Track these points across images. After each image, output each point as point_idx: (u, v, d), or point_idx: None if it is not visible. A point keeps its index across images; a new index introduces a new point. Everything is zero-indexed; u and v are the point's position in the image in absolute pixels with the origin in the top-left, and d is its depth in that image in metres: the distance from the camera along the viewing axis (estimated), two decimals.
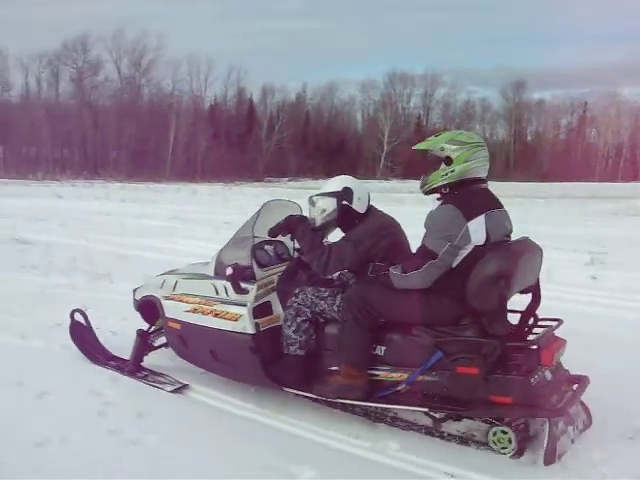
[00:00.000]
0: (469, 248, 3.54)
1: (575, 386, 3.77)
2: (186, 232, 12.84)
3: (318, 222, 4.17)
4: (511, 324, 3.75)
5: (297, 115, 68.55)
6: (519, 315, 3.85)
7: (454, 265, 3.58)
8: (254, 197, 25.94)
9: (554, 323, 3.79)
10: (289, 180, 56.31)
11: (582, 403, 3.88)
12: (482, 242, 3.54)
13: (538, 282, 3.85)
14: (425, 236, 3.68)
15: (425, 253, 3.61)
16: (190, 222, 14.45)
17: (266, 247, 4.58)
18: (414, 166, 60.40)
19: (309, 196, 4.25)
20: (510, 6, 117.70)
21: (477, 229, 3.53)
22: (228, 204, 20.85)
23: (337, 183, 4.18)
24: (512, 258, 3.52)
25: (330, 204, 4.13)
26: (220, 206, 20.41)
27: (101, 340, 5.25)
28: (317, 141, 66.78)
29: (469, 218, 3.52)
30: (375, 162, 64.59)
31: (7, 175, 52.08)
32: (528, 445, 3.59)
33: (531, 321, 3.83)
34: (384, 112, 67.48)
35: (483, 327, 3.57)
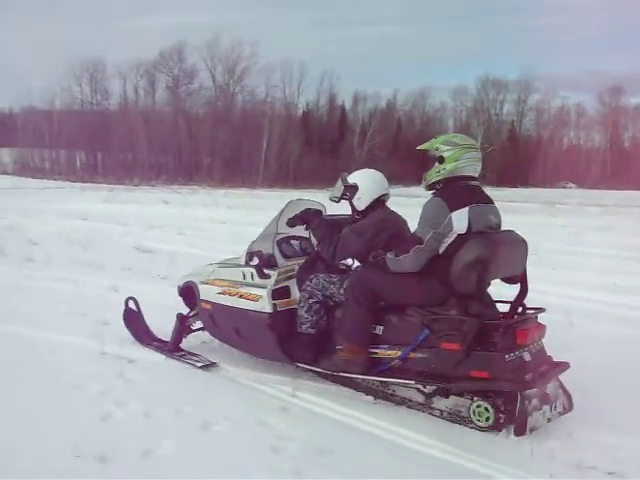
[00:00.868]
0: (452, 236, 3.98)
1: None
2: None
3: (329, 198, 4.84)
4: (500, 312, 4.22)
5: (388, 122, 67.79)
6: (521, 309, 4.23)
7: (440, 251, 4.04)
8: None
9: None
10: None
11: (564, 388, 4.21)
12: (464, 231, 3.96)
13: (525, 274, 4.25)
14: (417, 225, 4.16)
15: (415, 240, 4.10)
16: None
17: (292, 241, 5.23)
18: (508, 173, 59.11)
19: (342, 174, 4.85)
20: (604, 9, 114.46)
21: (460, 219, 3.96)
22: (334, 210, 20.17)
23: (355, 176, 4.77)
24: (491, 246, 3.94)
25: (337, 191, 4.76)
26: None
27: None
28: (408, 148, 65.48)
29: (453, 209, 3.97)
30: None
31: (105, 180, 53.58)
32: (508, 420, 3.93)
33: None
34: (476, 118, 65.92)
35: (466, 307, 4.00)
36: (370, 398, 4.51)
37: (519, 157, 61.62)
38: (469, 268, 3.89)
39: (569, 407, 4.21)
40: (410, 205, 25.64)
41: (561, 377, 4.20)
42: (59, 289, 7.49)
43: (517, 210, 23.81)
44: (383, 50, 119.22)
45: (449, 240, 4.00)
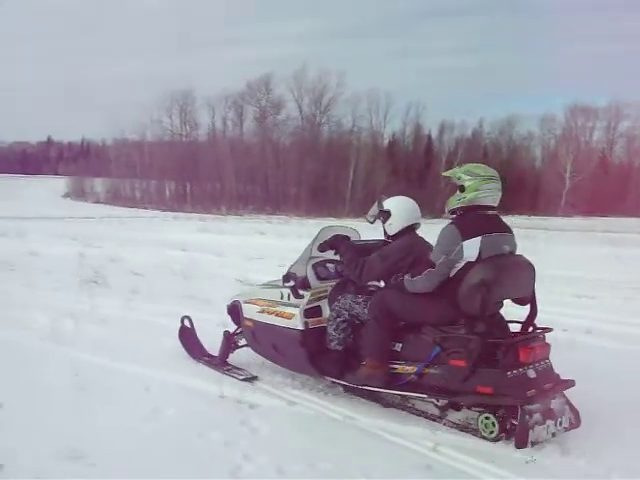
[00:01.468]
0: (462, 262, 4.32)
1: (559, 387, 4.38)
2: None
3: (366, 218, 5.23)
4: (511, 331, 4.61)
5: (475, 150, 66.49)
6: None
7: (451, 275, 4.38)
8: None
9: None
10: None
11: (571, 405, 4.45)
12: (474, 259, 4.29)
13: (534, 295, 4.60)
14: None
15: (429, 264, 4.43)
16: None
17: (328, 265, 5.56)
18: (598, 202, 57.19)
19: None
20: None
21: (470, 247, 4.30)
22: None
23: (390, 202, 5.08)
24: (495, 270, 4.25)
25: (372, 214, 5.14)
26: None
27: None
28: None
29: (465, 238, 4.31)
30: (556, 198, 61.10)
31: (194, 209, 54.47)
32: (511, 432, 4.23)
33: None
34: (565, 146, 64.09)
35: (473, 327, 4.29)
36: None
37: (610, 185, 59.57)
38: (474, 290, 4.24)
39: (576, 423, 4.46)
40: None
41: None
42: (165, 324, 7.25)
43: (621, 242, 22.69)
44: (469, 79, 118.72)
45: (459, 265, 4.36)
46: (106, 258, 13.04)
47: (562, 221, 45.41)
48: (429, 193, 56.70)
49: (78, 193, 71.43)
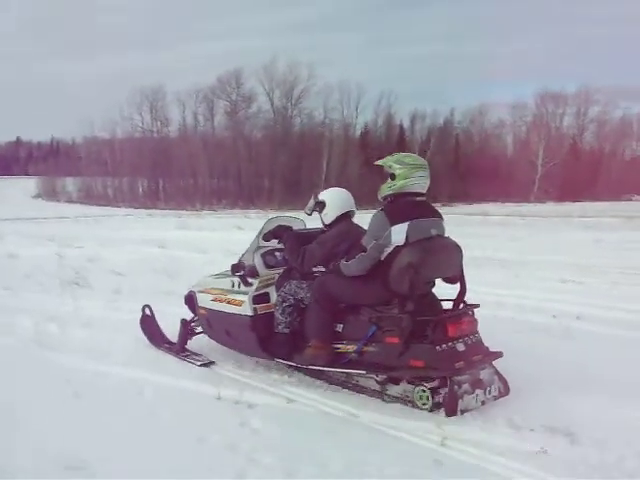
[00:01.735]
0: (391, 247, 4.61)
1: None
2: None
3: (304, 212, 5.61)
4: (444, 308, 4.92)
5: (446, 140, 66.81)
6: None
7: (382, 258, 4.68)
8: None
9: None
10: (442, 205, 54.65)
11: (499, 375, 4.84)
12: (402, 243, 4.59)
13: (463, 274, 4.91)
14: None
15: (361, 248, 4.75)
16: None
17: (276, 253, 5.82)
18: (570, 188, 57.65)
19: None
20: None
21: (398, 232, 4.59)
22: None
23: (324, 194, 5.46)
24: (421, 252, 4.53)
25: (309, 207, 5.47)
26: None
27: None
28: (468, 165, 64.42)
29: (393, 223, 4.60)
30: (529, 184, 61.44)
31: (167, 206, 54.17)
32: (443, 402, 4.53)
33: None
34: (536, 133, 64.43)
35: (404, 306, 4.59)
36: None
37: (581, 171, 60.02)
38: (402, 272, 4.55)
39: (505, 391, 4.84)
40: (466, 223, 24.76)
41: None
42: None
43: (598, 226, 22.84)
44: (439, 68, 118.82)
45: (388, 249, 4.66)
46: (85, 258, 12.81)
47: (536, 207, 45.65)
48: None
49: (49, 193, 70.61)
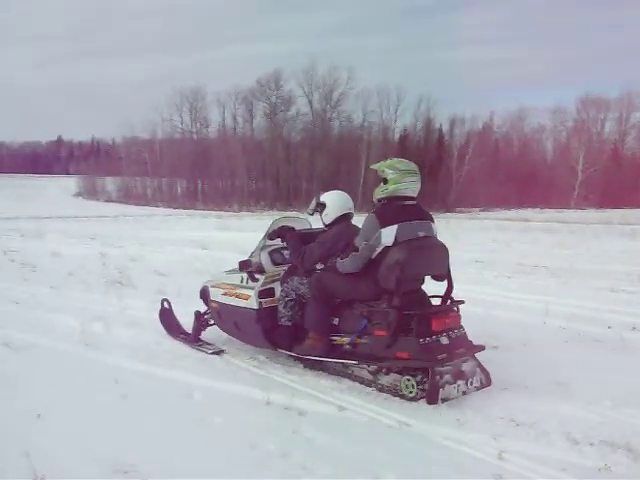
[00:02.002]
0: (381, 247, 4.94)
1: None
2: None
3: (307, 212, 6.03)
4: (432, 304, 5.24)
5: (486, 144, 66.05)
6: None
7: (373, 257, 5.01)
8: (482, 231, 24.50)
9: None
10: (480, 210, 54.20)
11: (482, 367, 5.14)
12: (391, 244, 4.92)
13: (449, 272, 5.24)
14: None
15: (354, 248, 5.12)
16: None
17: (283, 251, 6.16)
18: (611, 194, 56.67)
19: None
20: None
21: (387, 234, 4.92)
22: (459, 239, 19.24)
23: (325, 196, 5.79)
24: (407, 252, 4.84)
25: (311, 208, 5.85)
26: (455, 240, 18.31)
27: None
28: (507, 170, 63.70)
29: (383, 226, 4.93)
30: (569, 190, 60.53)
31: (205, 207, 54.34)
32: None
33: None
34: (577, 138, 63.46)
35: (391, 301, 4.90)
36: None
37: (623, 177, 58.97)
38: (389, 270, 4.89)
39: (487, 383, 5.14)
40: (508, 229, 24.27)
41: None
42: None
43: None
44: (479, 72, 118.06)
45: (379, 249, 5.00)
46: (128, 258, 12.88)
47: (576, 214, 44.90)
48: (441, 187, 56.50)
49: (90, 192, 71.41)
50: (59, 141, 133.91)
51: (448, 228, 25.62)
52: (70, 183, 77.05)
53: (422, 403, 4.84)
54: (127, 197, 65.18)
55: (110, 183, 70.66)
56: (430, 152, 63.12)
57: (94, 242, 17.15)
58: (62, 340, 6.58)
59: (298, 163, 58.77)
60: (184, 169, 62.80)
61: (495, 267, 12.10)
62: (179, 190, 65.40)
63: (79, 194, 72.48)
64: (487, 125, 68.93)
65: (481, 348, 5.17)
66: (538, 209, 52.05)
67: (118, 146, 76.30)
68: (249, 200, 58.17)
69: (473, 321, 7.24)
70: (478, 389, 5.05)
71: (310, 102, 63.15)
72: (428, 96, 64.70)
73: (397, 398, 5.01)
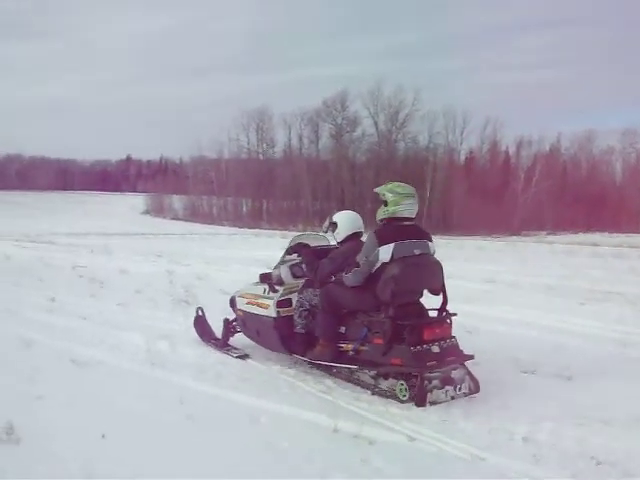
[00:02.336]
0: (379, 263, 5.47)
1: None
2: (512, 298, 11.08)
3: (322, 230, 6.63)
4: (430, 316, 5.73)
5: (553, 166, 64.79)
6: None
7: (373, 272, 5.54)
8: (550, 255, 24.04)
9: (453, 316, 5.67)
10: (547, 234, 52.99)
11: (471, 375, 5.52)
12: (388, 260, 5.43)
13: (444, 287, 5.72)
14: None
15: (356, 264, 5.65)
16: (508, 285, 12.78)
17: (302, 265, 6.53)
18: None
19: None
20: None
21: (385, 252, 5.43)
22: (527, 263, 18.87)
23: (337, 216, 6.34)
24: (402, 268, 5.36)
25: (326, 226, 6.39)
26: (523, 264, 18.01)
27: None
28: (575, 193, 62.27)
29: (381, 244, 5.45)
30: (639, 215, 58.71)
31: (269, 226, 54.67)
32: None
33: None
34: None
35: (387, 312, 5.42)
36: None
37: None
38: (385, 284, 5.39)
39: (475, 390, 5.48)
40: (577, 254, 23.61)
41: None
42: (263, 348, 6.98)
43: None
44: (546, 94, 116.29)
45: (377, 265, 5.49)
46: (194, 276, 12.91)
47: None
48: (506, 210, 55.57)
49: (157, 210, 72.70)
50: (128, 159, 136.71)
51: (515, 252, 25.21)
52: (138, 201, 78.64)
53: (495, 435, 4.65)
54: (193, 215, 66.14)
55: (177, 201, 71.84)
56: (496, 174, 62.45)
57: (161, 260, 17.31)
58: (128, 358, 6.58)
59: (363, 184, 58.58)
60: (250, 188, 63.46)
61: (566, 293, 11.69)
62: (244, 209, 66.05)
63: (147, 212, 73.86)
64: (554, 147, 67.62)
65: (470, 357, 5.55)
66: (607, 233, 50.62)
67: (185, 165, 77.84)
68: (313, 220, 58.12)
69: (545, 349, 7.06)
70: (466, 395, 5.43)
71: (376, 123, 63.27)
72: (494, 118, 63.94)
73: (470, 429, 4.80)
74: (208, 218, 63.46)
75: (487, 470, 4.15)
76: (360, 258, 5.60)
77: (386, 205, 5.63)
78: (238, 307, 6.97)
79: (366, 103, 62.91)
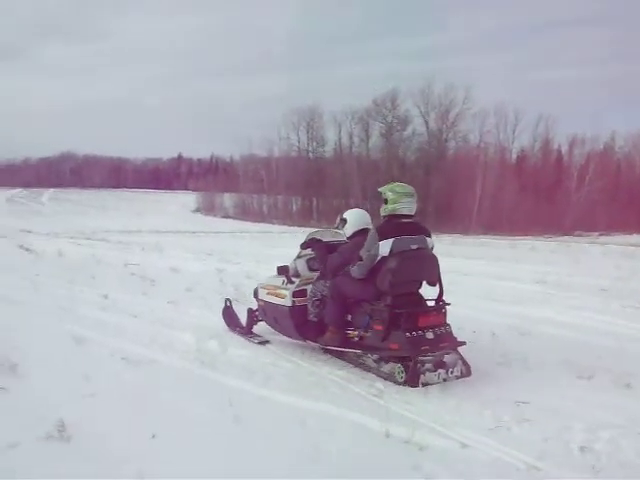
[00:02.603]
0: (379, 257, 5.98)
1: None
2: (565, 300, 10.82)
3: (335, 227, 7.18)
4: (427, 305, 6.20)
5: (607, 165, 63.44)
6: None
7: (374, 265, 6.03)
8: (604, 256, 23.62)
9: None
10: (600, 234, 51.90)
11: (463, 359, 6.06)
12: (387, 254, 5.94)
13: (440, 279, 6.21)
14: None
15: (359, 257, 6.14)
16: (561, 286, 12.50)
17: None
18: None
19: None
20: None
21: (384, 246, 5.94)
22: (580, 265, 18.51)
23: (347, 213, 6.91)
24: (399, 261, 5.88)
25: (337, 223, 6.98)
26: (576, 265, 17.67)
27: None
28: (630, 193, 60.87)
29: (381, 239, 5.96)
30: None
31: (319, 224, 54.48)
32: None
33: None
34: None
35: (386, 301, 5.97)
36: None
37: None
38: (384, 275, 5.91)
39: (467, 373, 5.99)
40: (631, 255, 22.99)
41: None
42: (314, 348, 7.02)
43: None
44: (600, 91, 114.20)
45: (378, 258, 5.98)
46: (244, 275, 12.92)
47: None
48: (558, 210, 54.63)
49: (207, 208, 73.35)
50: (179, 158, 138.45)
51: (568, 253, 24.72)
52: (189, 199, 79.45)
53: (550, 444, 4.52)
54: (244, 213, 66.54)
55: (227, 199, 72.41)
56: (548, 173, 61.45)
57: (211, 258, 17.41)
58: (179, 357, 6.58)
59: (413, 183, 57.19)
60: (299, 187, 63.62)
61: (621, 296, 11.39)
62: (294, 207, 66.18)
63: (197, 210, 74.55)
64: (608, 145, 66.24)
65: (462, 343, 6.05)
66: None
67: (236, 163, 78.34)
68: None
69: (600, 354, 6.87)
70: (458, 378, 5.91)
71: (426, 122, 62.74)
72: (547, 116, 62.85)
73: (526, 436, 4.68)
74: (258, 216, 63.77)
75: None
76: (362, 253, 6.09)
77: (386, 203, 6.13)
78: (260, 297, 7.51)
79: (416, 101, 62.45)
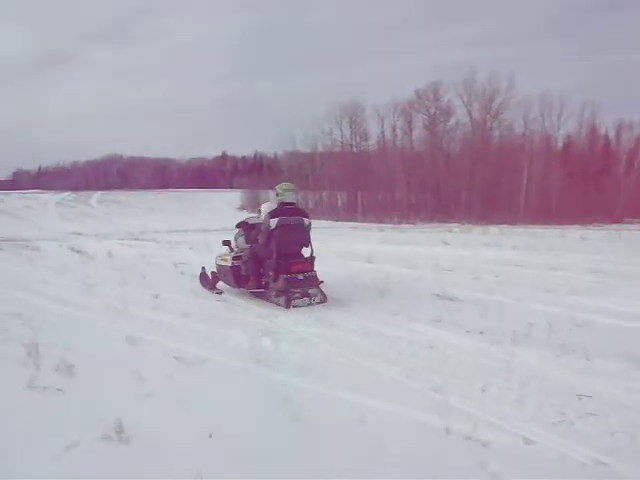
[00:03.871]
0: (271, 229, 9.15)
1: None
2: (623, 289, 10.59)
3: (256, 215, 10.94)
4: (300, 259, 9.43)
5: None
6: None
7: (269, 234, 9.22)
8: None
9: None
10: None
11: (322, 291, 9.22)
12: (274, 227, 9.15)
13: (310, 241, 9.57)
14: None
15: (261, 230, 9.52)
16: (617, 276, 12.16)
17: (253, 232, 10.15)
18: None
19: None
20: None
21: (273, 222, 9.14)
22: (635, 252, 17.97)
23: (262, 205, 10.70)
24: (280, 230, 9.17)
25: (257, 210, 11.23)
26: (630, 254, 17.53)
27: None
28: None
29: (272, 218, 9.17)
30: None
31: (365, 219, 54.40)
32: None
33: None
34: None
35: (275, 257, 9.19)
36: None
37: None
38: (273, 240, 9.16)
39: (324, 300, 9.12)
40: None
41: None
42: (369, 344, 6.95)
43: None
44: None
45: (271, 228, 9.14)
46: None
47: None
48: (607, 197, 53.54)
49: (253, 205, 73.33)
50: (224, 156, 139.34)
51: (620, 241, 24.16)
52: (234, 196, 79.76)
53: (616, 438, 4.41)
54: None
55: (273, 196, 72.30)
56: (596, 159, 60.26)
57: None
58: (232, 356, 6.54)
59: (458, 174, 57.66)
60: (344, 182, 63.36)
61: None
62: (339, 202, 66.02)
63: (242, 207, 74.77)
64: None
65: (321, 282, 9.21)
66: None
67: (280, 160, 78.36)
68: (409, 212, 57.61)
69: None
70: (318, 303, 9.05)
71: (469, 112, 62.17)
72: (592, 102, 61.55)
73: (590, 430, 4.56)
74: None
75: (610, 477, 3.92)
76: (262, 226, 9.39)
77: (277, 196, 9.53)
78: (216, 262, 10.62)
79: (459, 92, 61.90)
